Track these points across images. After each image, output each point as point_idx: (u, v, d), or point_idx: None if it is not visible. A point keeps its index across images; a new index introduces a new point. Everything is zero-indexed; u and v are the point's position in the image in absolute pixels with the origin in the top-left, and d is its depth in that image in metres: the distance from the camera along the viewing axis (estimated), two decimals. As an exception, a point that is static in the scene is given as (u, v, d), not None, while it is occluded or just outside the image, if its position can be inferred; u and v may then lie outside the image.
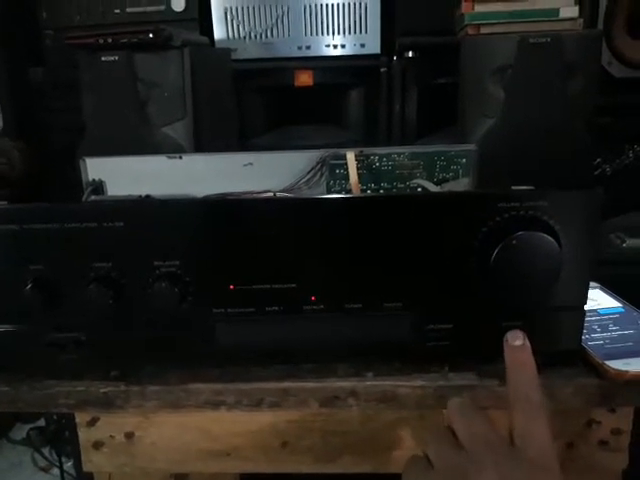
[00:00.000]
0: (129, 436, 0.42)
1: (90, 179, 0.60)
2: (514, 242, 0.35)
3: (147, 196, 0.56)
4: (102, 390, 0.40)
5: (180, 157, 0.60)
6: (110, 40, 0.88)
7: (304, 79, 1.24)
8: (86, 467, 0.44)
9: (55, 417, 1.05)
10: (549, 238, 0.35)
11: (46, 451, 1.07)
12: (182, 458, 0.43)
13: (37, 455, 1.06)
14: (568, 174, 0.78)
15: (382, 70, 1.21)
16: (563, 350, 0.39)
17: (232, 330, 0.38)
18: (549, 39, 0.80)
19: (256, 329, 0.39)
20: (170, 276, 0.36)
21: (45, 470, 1.03)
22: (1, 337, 0.39)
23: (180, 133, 0.94)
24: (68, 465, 1.03)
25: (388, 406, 0.39)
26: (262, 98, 1.26)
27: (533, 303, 0.38)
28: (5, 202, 0.38)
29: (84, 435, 0.43)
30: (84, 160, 0.60)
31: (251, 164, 0.59)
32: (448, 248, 0.37)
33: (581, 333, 0.39)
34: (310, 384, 0.40)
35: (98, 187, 0.60)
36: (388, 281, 0.38)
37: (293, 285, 0.38)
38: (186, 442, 0.42)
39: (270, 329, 0.39)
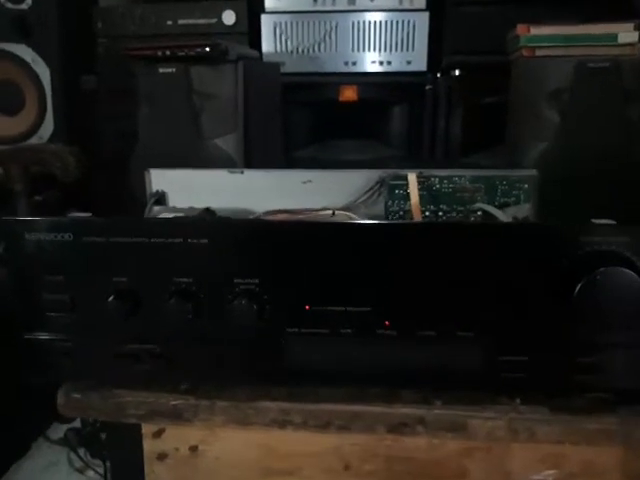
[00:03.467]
0: (193, 449, 0.43)
1: (153, 190, 0.61)
2: (597, 277, 0.34)
3: (207, 209, 0.57)
4: (172, 402, 0.41)
5: (242, 172, 0.61)
6: (168, 52, 0.91)
7: (349, 94, 1.25)
8: (148, 478, 0.44)
9: (91, 419, 1.07)
10: (633, 274, 0.34)
11: (81, 452, 1.08)
12: (244, 474, 0.43)
13: (73, 456, 1.08)
14: (626, 202, 0.76)
15: (427, 87, 1.21)
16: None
17: (304, 350, 0.39)
18: (608, 64, 0.79)
19: (328, 350, 0.39)
20: (249, 293, 0.37)
21: (80, 471, 1.05)
22: (78, 345, 0.40)
23: (231, 145, 0.95)
24: (101, 468, 1.05)
25: (457, 436, 0.39)
26: (306, 111, 1.28)
27: (611, 339, 0.37)
28: (89, 214, 0.39)
29: (149, 446, 0.43)
30: (148, 171, 0.61)
31: (310, 181, 0.60)
32: (527, 280, 0.37)
33: (659, 371, 0.38)
34: (379, 409, 0.40)
35: (160, 198, 0.61)
36: (464, 310, 0.38)
37: (368, 309, 0.38)
38: (249, 459, 0.43)
39: (342, 351, 0.39)
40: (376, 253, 0.37)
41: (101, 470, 1.04)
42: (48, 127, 1.24)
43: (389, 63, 1.22)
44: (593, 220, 0.37)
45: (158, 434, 0.43)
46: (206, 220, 0.42)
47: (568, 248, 0.36)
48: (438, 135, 1.24)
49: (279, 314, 0.38)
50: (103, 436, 1.04)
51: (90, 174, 1.17)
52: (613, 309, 0.35)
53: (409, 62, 1.22)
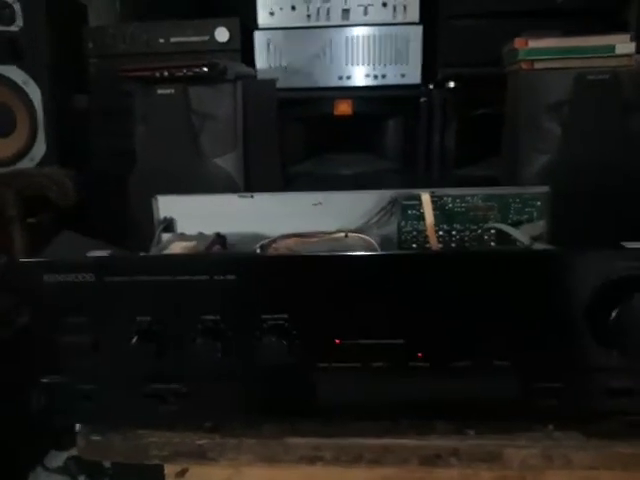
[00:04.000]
0: (219, 488, 0.41)
1: (161, 217, 0.60)
2: (633, 302, 0.34)
3: (218, 234, 0.56)
4: (197, 442, 0.40)
5: (251, 196, 0.60)
6: (166, 73, 0.90)
7: (343, 108, 1.25)
8: (172, 518, 0.43)
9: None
10: (669, 299, 0.34)
11: (83, 480, 1.06)
12: (272, 512, 0.42)
13: (75, 485, 1.05)
14: (627, 213, 0.77)
15: (422, 100, 1.22)
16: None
17: (335, 385, 0.38)
18: (607, 76, 0.80)
19: (359, 384, 0.38)
20: (278, 329, 0.36)
21: (83, 501, 1.02)
22: (100, 388, 0.38)
23: (231, 164, 0.95)
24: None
25: (491, 466, 0.38)
26: (301, 126, 1.27)
27: (646, 364, 0.37)
28: (110, 250, 0.38)
29: (173, 486, 0.42)
30: (156, 198, 0.60)
31: (320, 203, 0.59)
32: (560, 306, 0.36)
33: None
34: (411, 441, 0.39)
35: (169, 224, 0.60)
36: (497, 339, 0.37)
37: (400, 341, 0.37)
38: (277, 496, 0.42)
39: (374, 384, 0.38)
40: (407, 284, 0.36)
41: (105, 500, 1.01)
42: (40, 148, 1.22)
43: (383, 76, 1.22)
44: (623, 243, 0.37)
45: (181, 474, 0.42)
46: (232, 256, 0.41)
47: (603, 273, 0.35)
48: (433, 147, 1.24)
49: (309, 349, 0.37)
50: (106, 464, 1.02)
51: (85, 195, 1.15)
52: (649, 334, 0.34)
53: (403, 75, 1.22)
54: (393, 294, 0.36)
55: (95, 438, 0.40)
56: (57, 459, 1.11)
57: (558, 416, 0.39)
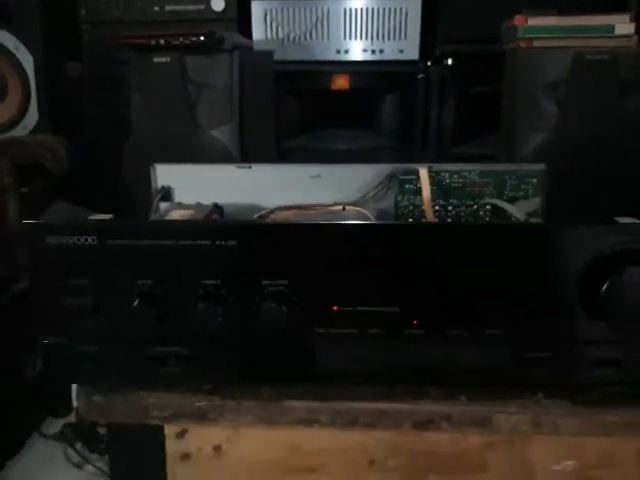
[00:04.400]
0: (217, 449, 0.43)
1: (159, 185, 0.60)
2: (624, 277, 0.35)
3: (215, 204, 0.56)
4: (197, 404, 0.41)
5: (249, 167, 0.60)
6: (163, 41, 0.88)
7: (341, 83, 1.24)
8: (170, 478, 0.44)
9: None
10: (658, 273, 0.35)
11: (78, 447, 1.07)
12: (268, 473, 0.43)
13: (69, 451, 1.07)
14: (621, 192, 0.78)
15: (420, 76, 1.21)
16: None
17: (332, 350, 0.39)
18: (606, 56, 0.80)
19: (356, 350, 0.39)
20: (277, 295, 0.37)
21: (78, 466, 1.04)
22: (102, 349, 0.39)
23: (227, 136, 0.94)
24: (99, 463, 1.04)
25: (481, 430, 0.40)
26: (298, 100, 1.26)
27: (633, 335, 0.38)
28: (111, 215, 0.38)
29: (172, 447, 0.43)
30: (154, 167, 0.60)
31: (319, 176, 0.59)
32: (552, 279, 0.37)
33: (677, 365, 0.39)
34: (405, 406, 0.40)
35: (167, 193, 0.60)
36: (491, 309, 0.38)
37: (396, 309, 0.38)
38: (274, 457, 0.43)
39: (370, 351, 0.39)
40: (405, 254, 0.37)
41: (99, 464, 1.03)
42: (32, 116, 1.21)
43: (381, 51, 1.21)
44: (617, 218, 0.38)
45: (181, 434, 0.43)
46: (234, 222, 0.41)
47: (595, 247, 0.36)
48: (430, 124, 1.24)
49: (307, 315, 0.38)
50: (101, 431, 1.04)
51: (78, 164, 1.14)
52: (636, 307, 0.36)
53: (401, 51, 1.21)
54: (390, 264, 0.37)
55: (96, 399, 0.41)
56: (53, 426, 1.13)
57: (548, 385, 0.40)
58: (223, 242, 0.36)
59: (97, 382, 0.41)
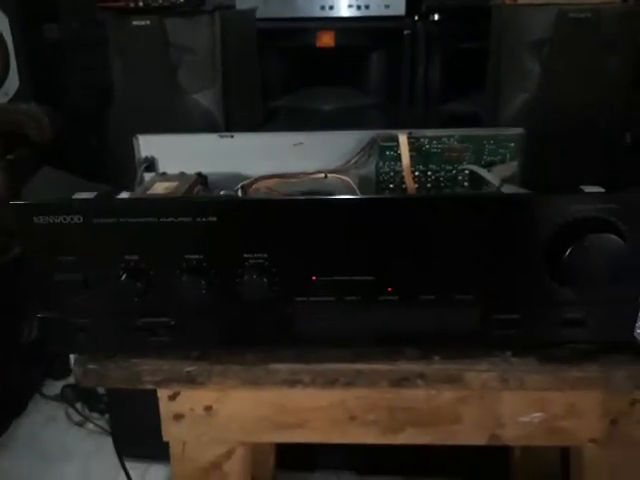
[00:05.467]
0: (208, 409, 0.46)
1: (142, 156, 0.61)
2: (586, 244, 0.37)
3: (199, 174, 0.57)
4: (187, 369, 0.43)
5: (232, 136, 0.60)
6: (141, 4, 0.87)
7: (326, 40, 1.22)
8: (165, 436, 0.47)
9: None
10: (619, 240, 0.37)
11: (79, 407, 1.12)
12: (256, 429, 0.46)
13: (70, 411, 1.11)
14: (602, 153, 0.79)
15: (406, 33, 1.19)
16: (618, 340, 0.42)
17: (312, 317, 0.41)
18: (589, 14, 0.79)
19: (334, 316, 0.41)
20: (258, 267, 0.39)
21: (80, 425, 1.08)
22: (95, 322, 0.41)
23: (210, 100, 0.93)
24: (100, 421, 1.09)
25: (453, 387, 0.43)
26: (282, 59, 1.24)
27: (595, 298, 0.40)
28: (95, 189, 0.40)
29: (165, 408, 0.46)
30: (137, 137, 0.60)
31: (301, 143, 0.60)
32: (519, 246, 0.39)
33: (634, 324, 0.42)
34: (381, 366, 0.43)
35: (151, 164, 0.60)
36: (460, 275, 0.40)
37: (371, 278, 0.40)
38: (261, 415, 0.46)
39: (347, 317, 0.41)
40: (377, 225, 0.39)
41: (100, 423, 1.08)
42: (13, 82, 1.18)
43: (367, 7, 1.19)
44: (582, 187, 0.40)
45: (173, 397, 0.45)
46: (214, 199, 0.42)
47: (559, 215, 0.38)
48: (416, 82, 1.23)
49: (288, 285, 0.40)
50: (100, 391, 1.08)
51: (61, 130, 1.13)
52: (598, 272, 0.38)
53: (387, 6, 1.19)
54: (365, 235, 0.39)
55: (91, 366, 0.43)
56: (53, 387, 1.17)
57: (516, 344, 0.43)
58: (204, 218, 0.37)
59: (90, 352, 0.43)
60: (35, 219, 0.37)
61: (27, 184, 1.06)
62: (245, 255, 0.39)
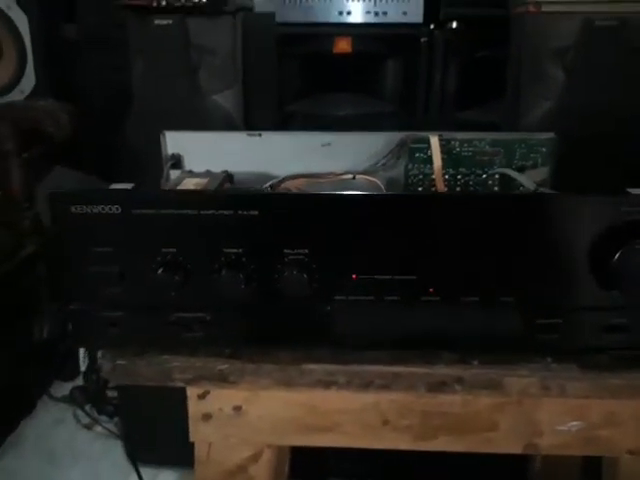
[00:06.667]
0: (237, 409, 0.44)
1: (169, 153, 0.60)
2: (636, 247, 0.36)
3: (226, 172, 0.57)
4: (219, 367, 0.42)
5: (260, 134, 0.60)
6: (164, 3, 0.86)
7: (343, 46, 1.22)
8: (192, 437, 0.46)
9: (95, 377, 1.08)
10: (669, 243, 0.36)
11: (87, 409, 1.10)
12: (285, 431, 0.45)
13: (78, 413, 1.10)
14: (629, 162, 0.78)
15: (423, 40, 1.19)
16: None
17: (350, 316, 0.40)
18: (615, 22, 0.79)
19: (373, 316, 0.40)
20: (298, 263, 0.38)
21: (88, 427, 1.07)
22: (128, 316, 0.40)
23: (230, 101, 0.93)
24: (108, 424, 1.07)
25: (491, 393, 0.42)
26: (298, 64, 1.24)
27: (640, 302, 0.39)
28: (131, 184, 0.39)
29: (194, 407, 0.45)
30: (164, 134, 0.60)
31: (329, 144, 0.59)
32: (565, 248, 0.38)
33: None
34: (419, 369, 0.42)
35: (177, 161, 0.60)
36: (504, 277, 0.39)
37: (413, 277, 0.39)
38: (291, 417, 0.45)
39: (386, 317, 0.40)
40: (421, 224, 0.38)
41: (108, 426, 1.06)
42: (30, 80, 1.18)
43: (384, 14, 1.19)
44: (629, 190, 0.39)
45: (203, 396, 0.44)
46: (256, 192, 0.42)
47: (607, 218, 0.37)
48: (433, 90, 1.22)
49: (327, 283, 0.39)
50: (109, 394, 1.06)
51: (79, 127, 1.13)
52: (647, 275, 0.37)
53: (405, 13, 1.19)
54: (407, 233, 0.38)
55: (121, 362, 0.42)
56: (62, 389, 1.16)
57: (556, 350, 0.42)
58: (245, 212, 0.37)
59: (121, 347, 0.42)
60: (72, 208, 0.36)
61: (40, 183, 1.06)
62: (285, 251, 0.38)
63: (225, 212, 0.37)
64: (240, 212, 0.37)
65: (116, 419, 1.05)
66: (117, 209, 0.37)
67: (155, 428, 0.91)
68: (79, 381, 1.13)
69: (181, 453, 0.57)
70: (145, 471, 0.90)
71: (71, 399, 1.09)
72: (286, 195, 0.41)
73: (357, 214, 0.37)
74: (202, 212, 0.37)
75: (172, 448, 0.79)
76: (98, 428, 1.06)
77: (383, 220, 0.38)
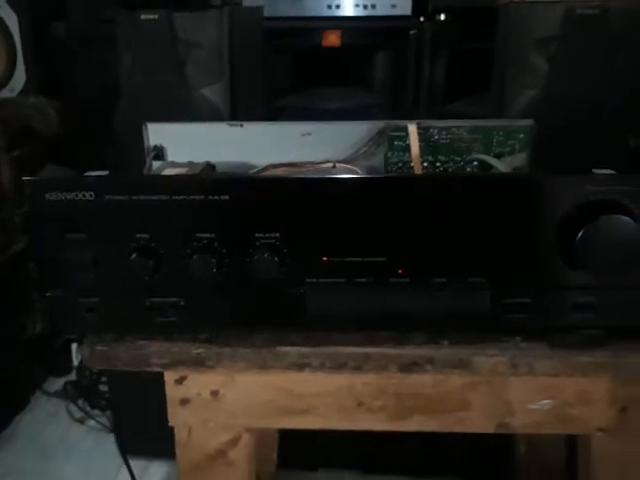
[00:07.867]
0: (215, 393, 0.45)
1: (151, 144, 0.61)
2: (599, 225, 0.37)
3: (207, 163, 0.57)
4: (195, 351, 0.43)
5: (241, 125, 0.60)
6: (151, -3, 0.87)
7: (332, 39, 1.22)
8: (171, 421, 0.47)
9: (88, 372, 1.09)
10: (632, 222, 0.37)
11: (80, 404, 1.11)
12: (262, 414, 0.46)
13: (71, 408, 1.11)
14: (607, 149, 0.79)
15: (412, 32, 1.20)
16: (632, 325, 0.42)
17: (322, 298, 0.41)
18: (597, 10, 0.79)
19: (344, 298, 0.41)
20: (269, 247, 0.38)
21: (81, 422, 1.08)
22: (104, 301, 0.41)
23: (217, 95, 0.94)
24: (101, 418, 1.08)
25: (462, 372, 0.42)
26: (288, 58, 1.24)
27: (606, 281, 0.40)
28: (106, 171, 0.40)
29: (172, 392, 0.45)
30: (146, 126, 0.60)
31: (309, 134, 0.60)
32: (531, 228, 0.39)
33: (647, 309, 0.42)
34: (390, 350, 0.42)
35: (159, 152, 0.60)
36: (472, 258, 0.40)
37: (382, 259, 0.40)
38: (267, 400, 0.45)
39: (357, 299, 0.41)
40: (390, 206, 0.39)
41: (101, 420, 1.07)
42: (20, 78, 1.19)
43: (373, 7, 1.19)
44: (594, 170, 0.40)
45: (180, 381, 0.45)
46: (226, 177, 0.42)
47: (572, 197, 0.38)
48: (421, 82, 1.23)
49: (299, 266, 0.40)
50: (102, 388, 1.07)
51: (67, 126, 1.13)
52: (611, 254, 0.38)
53: (394, 6, 1.19)
54: (377, 216, 0.39)
55: (99, 348, 0.43)
56: (55, 384, 1.17)
57: (526, 329, 0.42)
58: (216, 197, 0.37)
59: (98, 332, 0.43)
60: (47, 195, 0.37)
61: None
62: (256, 235, 0.38)
63: (197, 197, 0.37)
64: (211, 197, 0.37)
65: (108, 413, 1.06)
66: (90, 195, 0.37)
67: (146, 421, 0.92)
68: (72, 376, 1.14)
69: (172, 445, 0.58)
70: (137, 463, 0.91)
71: (64, 394, 1.10)
72: (256, 179, 0.42)
73: (326, 197, 0.38)
74: (174, 197, 0.37)
75: (163, 439, 0.80)
76: (91, 422, 1.07)
77: (353, 203, 0.39)
